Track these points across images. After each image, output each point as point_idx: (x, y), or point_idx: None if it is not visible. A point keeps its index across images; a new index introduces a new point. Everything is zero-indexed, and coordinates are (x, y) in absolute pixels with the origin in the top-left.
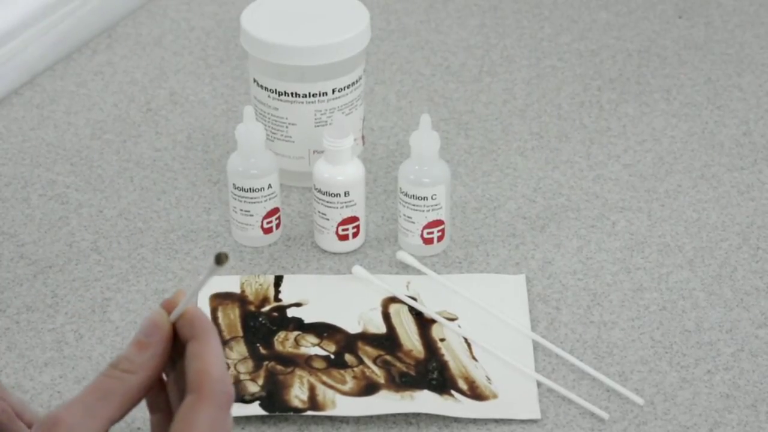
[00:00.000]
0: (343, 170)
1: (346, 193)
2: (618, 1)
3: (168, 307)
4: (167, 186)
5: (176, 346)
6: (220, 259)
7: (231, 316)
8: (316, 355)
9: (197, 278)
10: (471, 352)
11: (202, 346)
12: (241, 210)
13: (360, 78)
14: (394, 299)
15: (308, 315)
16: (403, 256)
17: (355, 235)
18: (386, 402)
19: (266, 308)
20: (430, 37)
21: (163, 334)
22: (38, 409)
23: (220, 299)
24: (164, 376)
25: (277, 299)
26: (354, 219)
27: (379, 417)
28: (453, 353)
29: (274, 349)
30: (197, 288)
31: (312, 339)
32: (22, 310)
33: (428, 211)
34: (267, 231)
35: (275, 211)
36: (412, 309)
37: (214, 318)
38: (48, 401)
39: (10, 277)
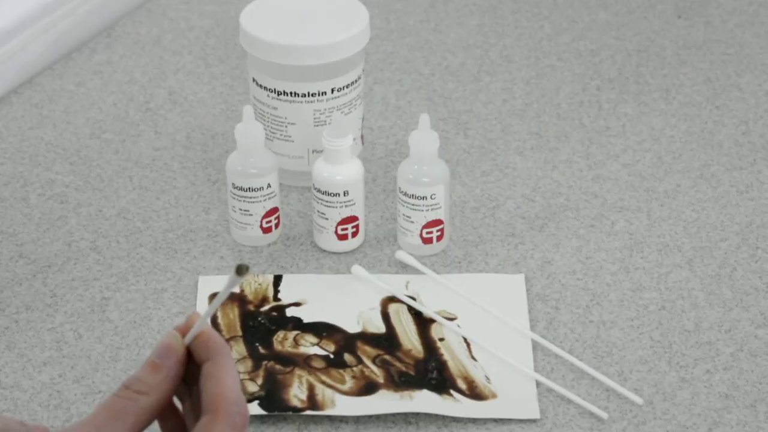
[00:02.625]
0: (342, 170)
1: (345, 193)
2: (617, 0)
3: (182, 331)
4: (166, 185)
5: (191, 371)
6: (241, 270)
7: (230, 315)
8: (316, 355)
9: (218, 295)
10: (470, 352)
11: (218, 368)
12: (241, 209)
13: (359, 77)
14: (393, 299)
15: (307, 314)
16: (403, 255)
17: (354, 234)
18: (385, 402)
19: (265, 308)
20: (430, 37)
21: (177, 356)
22: (37, 408)
23: None
24: (180, 405)
25: (276, 299)
26: (353, 218)
27: (378, 417)
28: (452, 353)
29: (273, 348)
30: (218, 303)
31: (311, 338)
32: (21, 310)
33: (427, 210)
34: (266, 230)
35: (274, 210)
36: (411, 308)
37: (213, 317)
38: (47, 400)
39: (9, 277)
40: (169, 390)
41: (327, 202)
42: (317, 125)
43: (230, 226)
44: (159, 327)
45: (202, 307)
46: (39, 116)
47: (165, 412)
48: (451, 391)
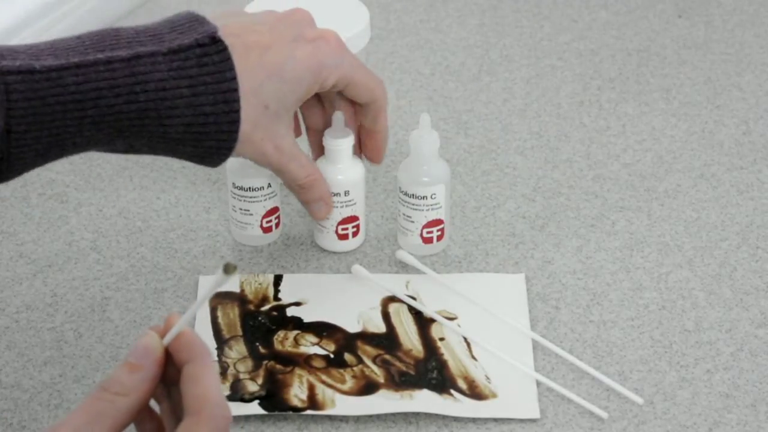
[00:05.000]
0: (342, 169)
1: (346, 193)
2: (617, 0)
3: (160, 332)
4: (166, 185)
5: (170, 372)
6: (228, 269)
7: (230, 315)
8: (316, 355)
9: (199, 295)
10: (470, 352)
11: (200, 369)
12: (241, 209)
13: None
14: (393, 298)
15: (307, 314)
16: (403, 255)
17: (354, 234)
18: (386, 401)
19: (266, 307)
20: (430, 37)
21: (155, 357)
22: (37, 408)
23: (219, 298)
24: (157, 407)
25: (276, 298)
26: (354, 218)
27: (378, 416)
28: (452, 352)
29: (274, 348)
30: (200, 303)
31: (311, 338)
32: (22, 309)
33: (428, 210)
34: (266, 230)
35: (275, 210)
36: (411, 308)
37: (214, 317)
38: (47, 400)
39: (9, 276)
40: (147, 391)
41: None
42: None
43: (230, 225)
44: None
45: (202, 307)
46: None
47: (141, 415)
48: (452, 391)
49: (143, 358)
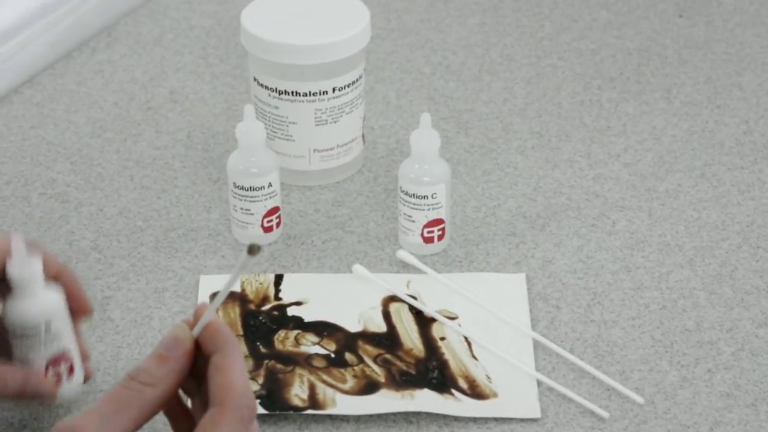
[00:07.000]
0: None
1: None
2: (618, 0)
3: (190, 324)
4: (167, 185)
5: (200, 365)
6: (253, 250)
7: (231, 314)
8: (317, 354)
9: (228, 276)
10: (471, 351)
11: (226, 359)
12: (242, 209)
13: (360, 77)
14: (394, 298)
15: (308, 314)
16: (404, 254)
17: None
18: (386, 401)
19: (266, 307)
20: (431, 36)
21: (185, 348)
22: (38, 407)
23: None
24: (189, 402)
25: (277, 298)
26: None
27: (379, 416)
28: (453, 352)
29: (275, 347)
30: (228, 288)
31: (312, 338)
32: None
33: (428, 209)
34: (267, 230)
35: (275, 209)
36: (412, 308)
37: None
38: None
39: None
40: (175, 382)
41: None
42: (318, 124)
43: (231, 225)
44: (160, 326)
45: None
46: (40, 115)
47: (177, 413)
48: (452, 391)
49: (172, 350)
